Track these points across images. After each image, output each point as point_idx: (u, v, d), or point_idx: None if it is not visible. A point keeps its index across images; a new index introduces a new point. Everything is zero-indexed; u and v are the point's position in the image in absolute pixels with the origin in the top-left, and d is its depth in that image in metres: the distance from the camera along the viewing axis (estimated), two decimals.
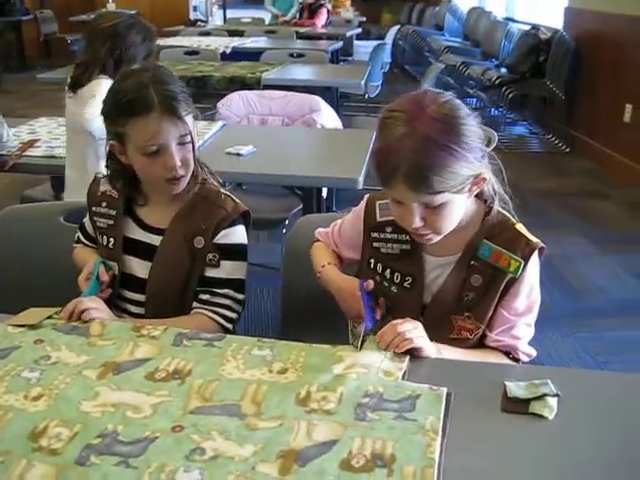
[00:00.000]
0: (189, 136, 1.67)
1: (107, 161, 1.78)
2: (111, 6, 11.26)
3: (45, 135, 3.17)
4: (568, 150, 6.54)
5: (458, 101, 1.44)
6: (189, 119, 1.68)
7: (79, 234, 1.94)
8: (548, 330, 3.27)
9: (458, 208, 1.47)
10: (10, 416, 1.21)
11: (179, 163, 1.66)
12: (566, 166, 6.17)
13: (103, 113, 1.71)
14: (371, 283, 1.59)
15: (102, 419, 1.21)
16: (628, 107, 5.64)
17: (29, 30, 11.32)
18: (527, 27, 7.47)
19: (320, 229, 1.85)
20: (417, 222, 1.44)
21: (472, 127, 1.41)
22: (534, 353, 1.61)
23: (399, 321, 1.45)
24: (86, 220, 1.90)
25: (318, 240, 1.85)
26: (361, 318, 1.56)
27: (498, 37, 8.27)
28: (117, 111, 1.66)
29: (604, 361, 3.09)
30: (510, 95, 6.76)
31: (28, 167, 2.87)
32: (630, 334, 3.38)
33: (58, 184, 3.35)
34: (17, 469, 1.08)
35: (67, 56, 9.72)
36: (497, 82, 6.96)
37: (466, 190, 1.44)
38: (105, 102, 1.70)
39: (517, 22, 8.53)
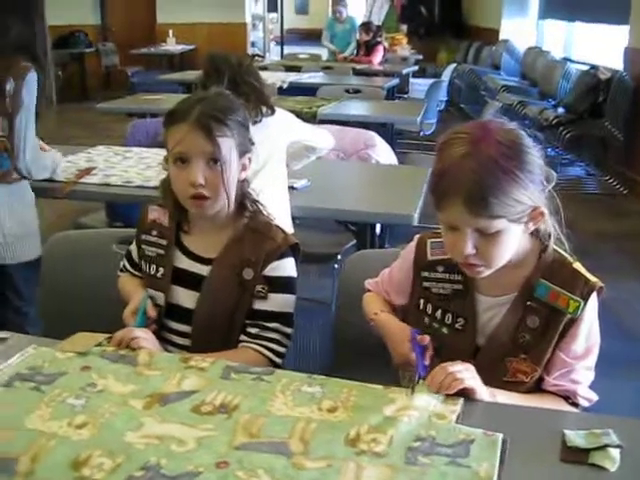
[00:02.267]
0: (221, 160, 1.65)
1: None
2: (171, 40, 11.50)
3: (102, 163, 3.20)
4: (626, 192, 6.41)
5: (523, 132, 1.43)
6: (227, 144, 1.66)
7: (125, 262, 1.92)
8: (604, 377, 3.15)
9: (512, 240, 1.43)
10: (53, 443, 1.19)
11: (201, 181, 1.64)
12: (623, 208, 6.05)
13: None
14: (426, 338, 1.49)
15: (146, 451, 1.18)
16: None
17: (91, 62, 11.60)
18: (585, 67, 7.39)
19: (369, 280, 1.81)
20: (469, 249, 1.40)
21: (535, 158, 1.40)
22: (595, 398, 1.55)
23: (449, 363, 1.40)
24: (132, 247, 1.89)
25: (369, 290, 1.80)
26: (409, 365, 1.50)
27: (556, 77, 8.17)
28: (164, 119, 1.71)
29: None
30: (567, 135, 6.66)
31: (84, 194, 2.90)
32: None
33: (113, 212, 3.38)
34: None
35: (126, 88, 9.93)
36: (554, 122, 6.87)
37: (523, 221, 1.41)
38: None
39: (575, 62, 8.44)
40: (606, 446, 1.20)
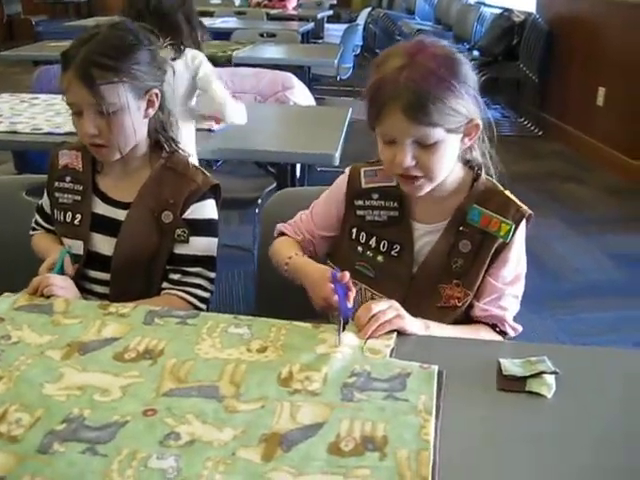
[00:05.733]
0: (109, 109, 1.53)
1: None
2: None
3: (7, 111, 3.03)
4: (541, 133, 6.51)
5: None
6: (115, 90, 1.53)
7: (37, 218, 1.81)
8: (526, 312, 3.20)
9: (450, 152, 1.43)
10: None
11: (93, 131, 1.55)
12: (539, 149, 6.15)
13: None
14: (346, 275, 1.42)
15: (67, 403, 1.11)
16: (601, 90, 5.61)
17: None
18: (499, 10, 7.42)
19: (282, 224, 1.74)
20: (409, 160, 1.39)
21: (469, 71, 1.42)
22: (520, 328, 1.57)
23: (373, 302, 1.38)
24: (44, 199, 1.78)
25: (282, 234, 1.73)
26: (332, 309, 1.44)
27: (470, 20, 8.21)
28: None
29: (583, 343, 3.04)
30: (482, 78, 6.63)
31: None
32: (607, 315, 3.35)
33: (21, 163, 3.23)
34: None
35: (31, 38, 9.50)
36: None
37: (460, 131, 1.42)
38: None
39: (489, 6, 8.46)
40: (542, 373, 1.19)
